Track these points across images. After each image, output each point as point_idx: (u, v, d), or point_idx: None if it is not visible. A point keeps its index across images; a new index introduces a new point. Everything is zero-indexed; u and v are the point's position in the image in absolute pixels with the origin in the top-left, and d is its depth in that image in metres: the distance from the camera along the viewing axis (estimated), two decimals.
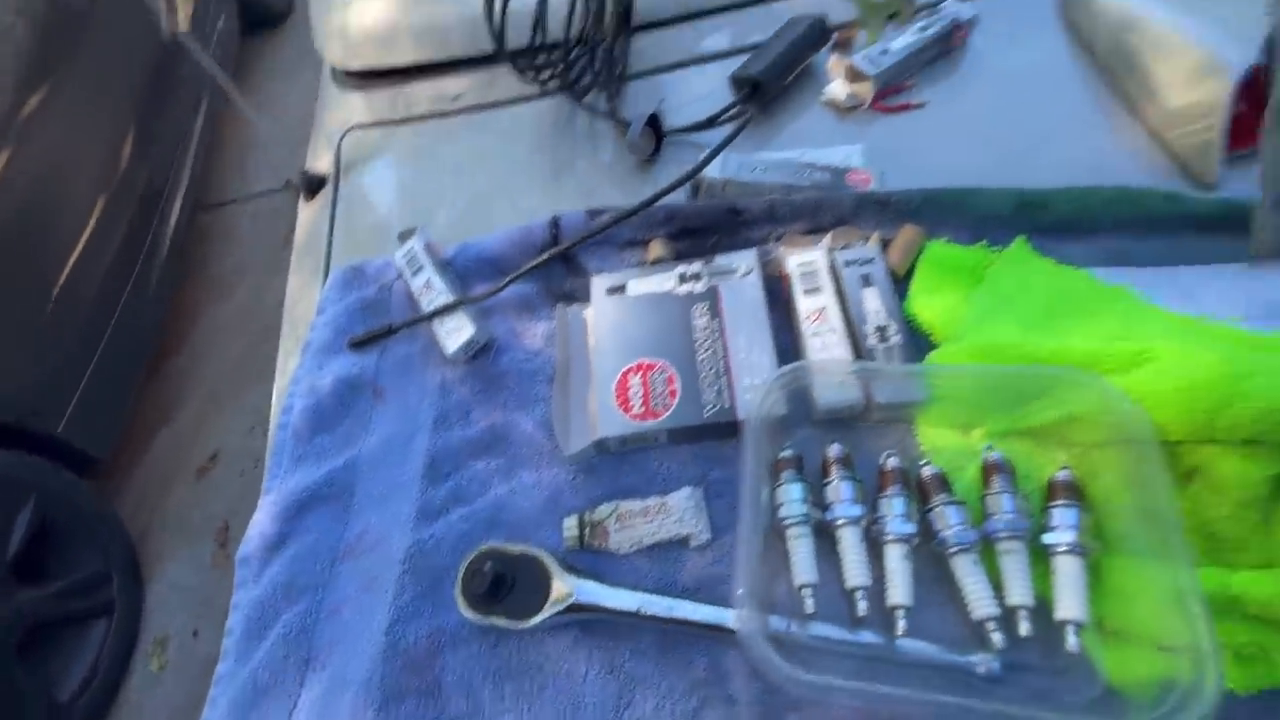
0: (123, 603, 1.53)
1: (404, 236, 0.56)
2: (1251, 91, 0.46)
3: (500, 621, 0.39)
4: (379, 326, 0.55)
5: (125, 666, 1.52)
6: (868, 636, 0.36)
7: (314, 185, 0.70)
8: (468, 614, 0.40)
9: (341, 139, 0.72)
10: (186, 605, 1.60)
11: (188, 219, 1.95)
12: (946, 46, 0.59)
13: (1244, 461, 0.32)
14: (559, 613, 0.39)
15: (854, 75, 0.57)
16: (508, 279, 0.51)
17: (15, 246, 1.42)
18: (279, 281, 0.66)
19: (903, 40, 0.57)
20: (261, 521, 0.49)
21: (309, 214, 0.70)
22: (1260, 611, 0.31)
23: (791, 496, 0.38)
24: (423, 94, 0.71)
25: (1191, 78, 0.48)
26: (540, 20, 0.57)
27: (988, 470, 0.38)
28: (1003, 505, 0.36)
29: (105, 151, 1.70)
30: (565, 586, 0.39)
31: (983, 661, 0.34)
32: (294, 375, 0.56)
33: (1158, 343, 0.37)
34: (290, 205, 2.21)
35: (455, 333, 0.51)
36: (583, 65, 0.62)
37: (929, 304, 0.45)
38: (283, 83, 2.54)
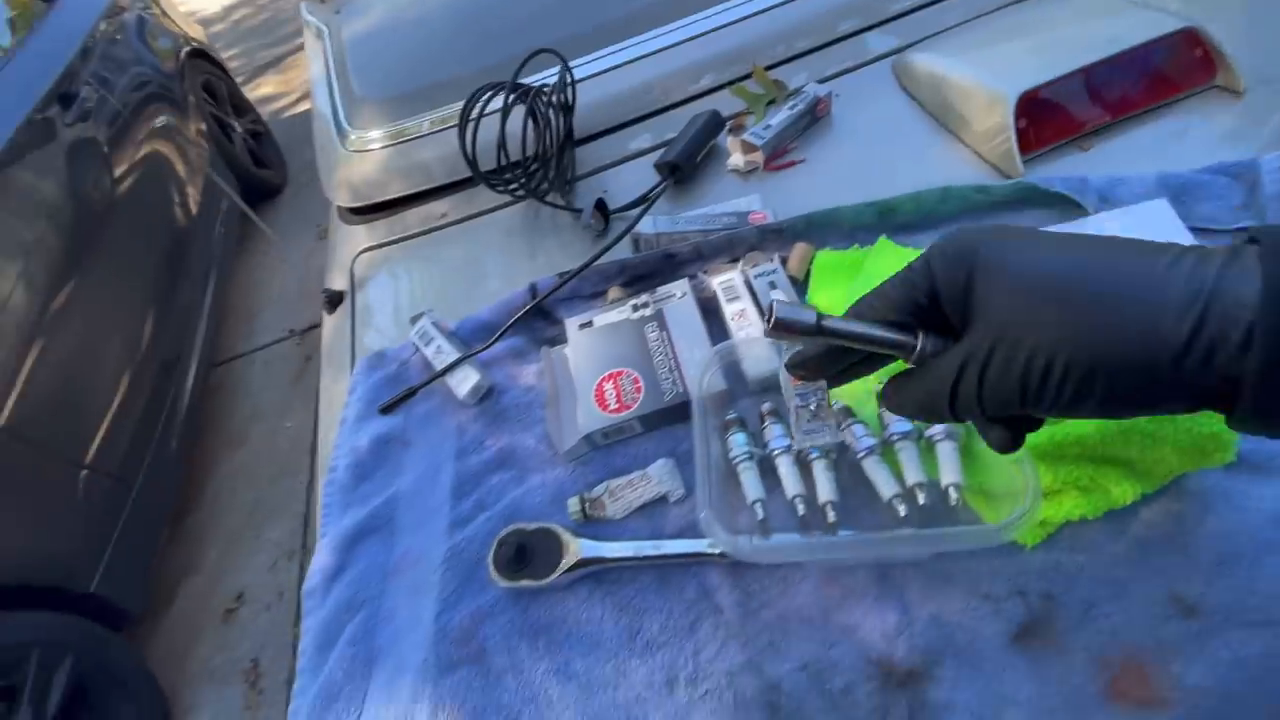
0: None
1: (415, 319, 0.70)
2: (1027, 111, 0.63)
3: (526, 582, 0.49)
4: (402, 391, 0.67)
5: None
6: (812, 535, 0.46)
7: (335, 300, 0.85)
8: (500, 581, 0.49)
9: (353, 261, 0.88)
10: None
11: (202, 380, 2.10)
12: (815, 116, 0.77)
13: None
14: (572, 568, 0.49)
15: (748, 148, 0.74)
16: (501, 331, 0.65)
17: (50, 423, 1.55)
18: (290, 422, 0.77)
19: (780, 117, 0.75)
20: (321, 557, 0.59)
21: (332, 324, 0.84)
22: (1082, 451, 0.42)
23: (738, 443, 0.50)
24: (415, 217, 0.88)
25: (986, 109, 0.65)
26: (502, 146, 0.74)
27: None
28: (893, 417, 0.47)
29: (128, 331, 1.87)
30: (575, 546, 0.49)
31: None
32: (334, 444, 0.67)
33: None
34: (297, 350, 2.39)
35: (464, 381, 0.63)
36: (540, 175, 0.79)
37: (824, 295, 0.58)
38: (281, 246, 2.80)
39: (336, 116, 0.97)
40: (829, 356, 0.35)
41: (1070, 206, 0.58)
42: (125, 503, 1.68)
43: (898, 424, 0.47)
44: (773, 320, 0.31)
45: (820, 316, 0.31)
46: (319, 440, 0.74)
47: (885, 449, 0.47)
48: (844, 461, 0.48)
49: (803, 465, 0.48)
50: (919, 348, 0.31)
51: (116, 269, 1.92)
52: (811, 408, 0.43)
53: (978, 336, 0.28)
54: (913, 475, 0.45)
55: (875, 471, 0.46)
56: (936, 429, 0.46)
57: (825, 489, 0.46)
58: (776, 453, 0.48)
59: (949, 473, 0.44)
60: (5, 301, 1.57)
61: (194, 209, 2.33)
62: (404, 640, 0.52)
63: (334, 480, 0.64)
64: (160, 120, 2.31)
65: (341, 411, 0.70)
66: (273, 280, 2.68)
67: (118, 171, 2.06)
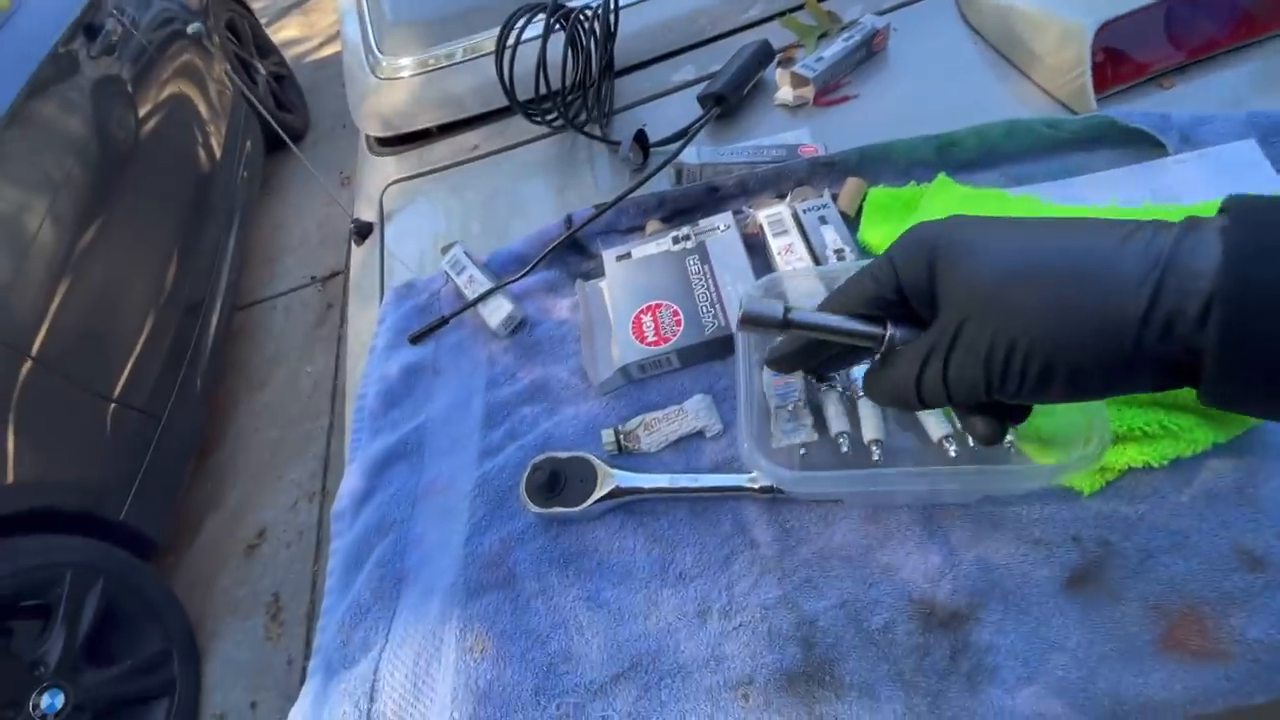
0: (183, 681, 1.57)
1: (446, 249, 0.68)
2: (1102, 45, 0.58)
3: (558, 510, 0.48)
4: (433, 320, 0.66)
5: None
6: (852, 473, 0.44)
7: (364, 232, 0.83)
8: (532, 507, 0.49)
9: (382, 193, 0.86)
10: (242, 680, 1.64)
11: (226, 323, 2.12)
12: (870, 50, 0.72)
13: None
14: (605, 496, 0.48)
15: (798, 81, 0.71)
16: (534, 262, 0.63)
17: (80, 354, 1.58)
18: (311, 366, 0.76)
19: (833, 49, 0.71)
20: (350, 480, 0.58)
21: (360, 255, 0.83)
22: (1150, 397, 0.40)
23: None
24: (446, 149, 0.86)
25: (1060, 43, 0.61)
26: (541, 72, 0.71)
27: None
28: None
29: (154, 270, 1.88)
30: (610, 475, 0.48)
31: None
32: (363, 372, 0.66)
33: None
34: (319, 296, 2.40)
35: (497, 311, 0.62)
36: (578, 106, 0.75)
37: (876, 233, 0.56)
38: (303, 191, 2.79)
39: (367, 42, 0.94)
40: (806, 351, 0.36)
41: (1148, 145, 0.54)
42: (152, 437, 1.71)
43: None
44: (741, 314, 0.33)
45: (788, 310, 0.32)
46: (347, 370, 0.73)
47: None
48: None
49: (849, 403, 0.46)
50: (887, 338, 0.31)
51: (142, 208, 1.92)
52: (789, 408, 0.42)
53: (941, 325, 0.29)
54: None
55: (924, 411, 0.44)
56: None
57: (871, 427, 0.44)
58: (822, 389, 0.46)
59: None
60: (35, 235, 1.57)
61: (217, 151, 2.31)
62: (433, 563, 0.52)
63: (363, 407, 0.64)
64: (184, 58, 2.28)
65: (371, 341, 0.69)
66: (294, 226, 2.67)
67: (142, 110, 2.05)
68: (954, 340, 0.28)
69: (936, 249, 0.29)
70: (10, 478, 1.35)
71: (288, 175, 2.92)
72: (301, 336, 2.30)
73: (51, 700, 1.33)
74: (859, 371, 0.46)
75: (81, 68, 1.89)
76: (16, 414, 1.39)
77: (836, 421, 0.45)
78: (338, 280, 2.40)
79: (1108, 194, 0.52)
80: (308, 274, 2.49)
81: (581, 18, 0.73)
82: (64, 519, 1.46)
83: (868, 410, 0.45)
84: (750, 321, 0.32)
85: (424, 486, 0.57)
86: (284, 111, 2.96)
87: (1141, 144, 0.54)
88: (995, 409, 0.32)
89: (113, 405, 1.61)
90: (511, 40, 0.73)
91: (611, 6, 0.76)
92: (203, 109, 2.32)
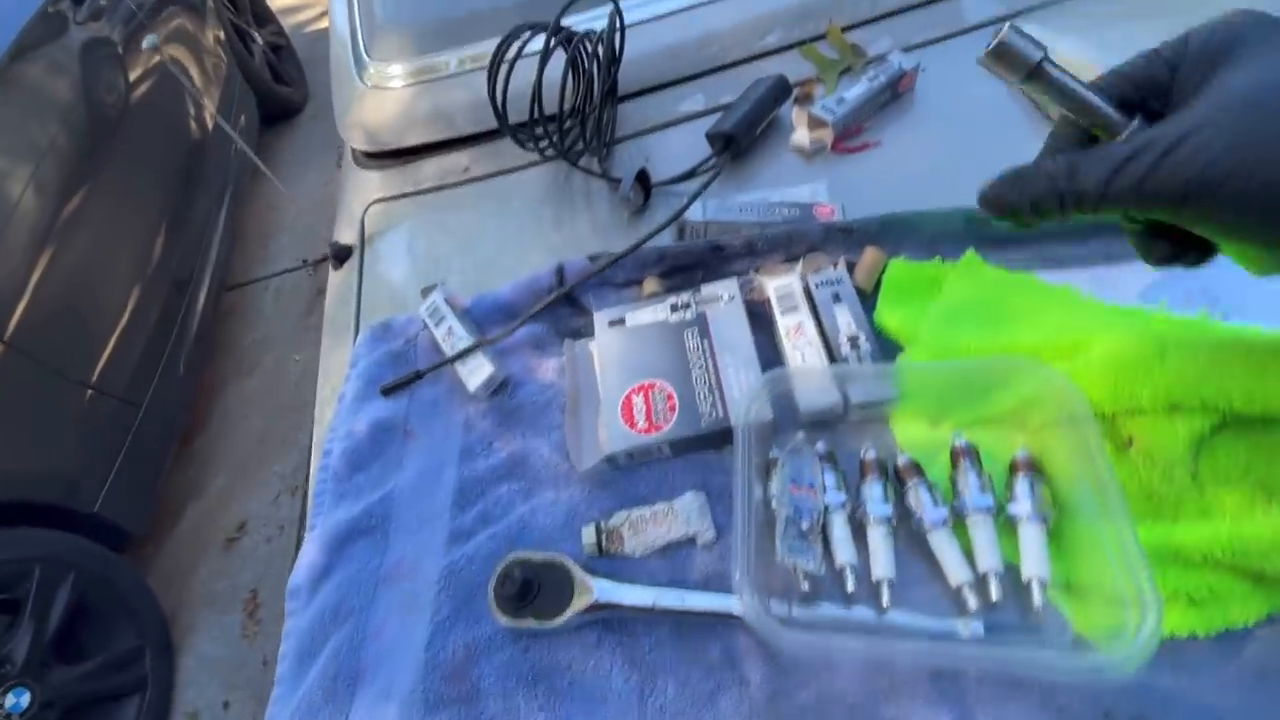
0: (155, 678, 1.55)
1: (426, 292, 0.63)
2: None
3: (530, 623, 0.43)
4: (407, 374, 0.60)
5: None
6: (860, 611, 0.40)
7: (341, 255, 0.78)
8: (500, 619, 0.44)
9: (364, 213, 0.80)
10: (217, 678, 1.61)
11: (214, 303, 2.06)
12: (896, 92, 0.66)
13: (1168, 425, 0.36)
14: (583, 611, 0.43)
15: (815, 123, 0.65)
16: (520, 320, 0.57)
17: (57, 336, 1.52)
18: (300, 355, 0.72)
19: (856, 89, 0.65)
20: (309, 553, 0.54)
21: (338, 281, 0.77)
22: (1202, 557, 0.35)
23: (784, 493, 0.43)
24: (434, 168, 0.80)
25: None
26: (537, 97, 0.64)
27: (955, 455, 0.42)
28: (970, 483, 0.40)
29: (139, 245, 1.82)
30: (588, 587, 0.44)
31: (965, 625, 0.38)
32: (331, 424, 0.61)
33: (1092, 332, 0.42)
34: (310, 281, 2.34)
35: (476, 372, 0.56)
36: (575, 134, 0.69)
37: (894, 314, 0.50)
38: (300, 168, 2.71)
39: (355, 44, 0.87)
40: (1040, 194, 0.29)
41: None
42: (132, 425, 1.66)
43: (974, 495, 0.40)
44: (996, 44, 0.29)
45: (1045, 57, 0.29)
46: (315, 410, 0.68)
47: (956, 522, 0.40)
48: (906, 530, 0.41)
49: (856, 527, 0.42)
50: (1132, 128, 0.28)
51: (129, 179, 1.85)
52: (803, 525, 0.37)
53: (1182, 117, 0.26)
54: (987, 559, 0.38)
55: (944, 549, 0.39)
56: (1020, 506, 0.38)
57: (882, 564, 0.39)
58: (829, 509, 0.42)
59: (1033, 563, 0.37)
60: (16, 204, 1.51)
61: (210, 123, 2.23)
62: (391, 663, 0.47)
63: (327, 466, 0.59)
64: (177, 23, 2.18)
65: (341, 385, 0.64)
66: (289, 206, 2.59)
67: (132, 75, 1.96)
68: (1186, 135, 0.25)
69: (1234, 46, 0.26)
70: None
71: (284, 151, 2.83)
72: (291, 322, 2.24)
73: (17, 700, 1.30)
74: (873, 491, 0.41)
75: (69, 30, 1.80)
76: None
77: (843, 550, 0.40)
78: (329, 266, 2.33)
79: (1155, 291, 0.46)
80: (300, 256, 2.42)
81: (587, 39, 0.66)
82: (35, 511, 1.41)
83: (879, 542, 0.40)
84: (999, 56, 0.29)
85: (387, 569, 0.52)
86: (281, 84, 2.86)
87: None
88: (1180, 238, 0.29)
89: (89, 392, 1.56)
90: (511, 54, 0.66)
91: (617, 26, 0.69)
92: (195, 76, 2.23)
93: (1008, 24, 0.28)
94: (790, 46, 0.73)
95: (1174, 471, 0.36)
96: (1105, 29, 0.60)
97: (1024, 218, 0.31)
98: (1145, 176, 0.26)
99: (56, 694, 1.35)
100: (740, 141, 0.65)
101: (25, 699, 1.31)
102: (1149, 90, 0.28)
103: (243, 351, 2.19)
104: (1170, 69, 0.28)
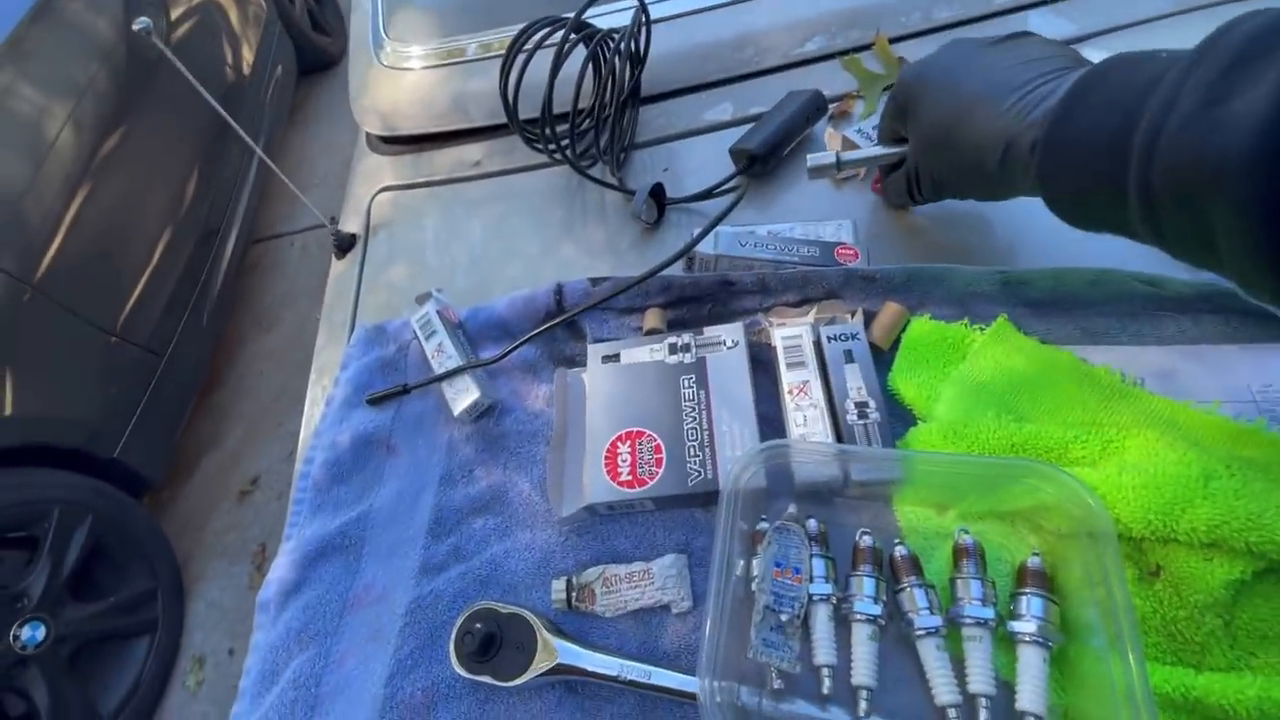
0: (166, 621, 1.60)
1: (421, 300, 0.60)
2: None
3: (488, 680, 0.42)
4: (396, 385, 0.58)
5: (165, 683, 1.58)
6: (835, 715, 0.37)
7: (345, 245, 0.75)
8: (459, 671, 0.42)
9: (371, 200, 0.78)
10: (223, 625, 1.67)
11: (240, 256, 2.07)
12: None
13: (1204, 564, 0.32)
14: (543, 674, 0.41)
15: (848, 146, 0.59)
16: (511, 347, 0.54)
17: (85, 279, 1.53)
18: (319, 315, 0.70)
19: None
20: (280, 568, 0.53)
21: (339, 270, 0.75)
22: (1223, 714, 0.31)
23: (766, 575, 0.40)
24: (446, 159, 0.76)
25: None
26: (549, 98, 0.60)
27: (959, 553, 0.38)
28: (971, 591, 0.37)
29: (170, 191, 1.82)
30: (551, 648, 0.42)
31: None
32: (316, 429, 0.60)
33: (1129, 432, 0.37)
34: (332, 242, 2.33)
35: (462, 395, 0.54)
36: (590, 138, 0.65)
37: (910, 381, 0.46)
38: (333, 124, 2.68)
39: (375, 20, 0.83)
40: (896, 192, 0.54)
41: (1275, 326, 0.43)
42: (155, 372, 1.69)
43: (974, 605, 0.36)
44: (808, 170, 0.54)
45: (839, 158, 0.53)
46: (305, 406, 0.67)
47: (951, 631, 0.37)
48: (896, 629, 0.38)
49: (841, 620, 0.38)
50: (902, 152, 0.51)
51: (165, 122, 1.84)
52: (782, 617, 0.34)
53: (909, 150, 0.50)
54: (980, 682, 0.35)
55: (933, 663, 0.36)
56: (1024, 626, 0.35)
57: (863, 670, 0.36)
58: (813, 599, 0.38)
59: (1030, 694, 0.34)
60: (53, 144, 1.51)
61: (247, 70, 2.21)
62: (349, 695, 0.46)
63: (308, 474, 0.57)
64: None
65: (330, 387, 0.62)
66: (319, 161, 2.58)
67: (174, 14, 1.94)
68: (917, 164, 0.48)
69: (908, 96, 0.47)
70: (7, 410, 1.34)
71: (319, 103, 2.81)
72: (315, 279, 2.25)
73: (33, 632, 1.36)
74: (864, 586, 0.38)
75: None
76: (14, 347, 1.36)
77: (822, 649, 0.37)
78: None
79: (1211, 385, 0.41)
80: (328, 214, 2.41)
81: (610, 38, 0.62)
82: (56, 454, 1.45)
83: (863, 645, 0.37)
84: (813, 173, 0.54)
85: (355, 594, 0.50)
86: (321, 34, 2.82)
87: (1268, 323, 0.43)
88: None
89: (113, 339, 1.58)
90: (529, 45, 0.62)
91: (643, 21, 0.64)
92: (235, 21, 2.20)
93: (808, 158, 0.54)
94: (831, 56, 0.67)
95: (1204, 615, 0.32)
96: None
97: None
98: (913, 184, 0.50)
99: (70, 630, 1.41)
100: (765, 162, 0.60)
101: (41, 632, 1.37)
102: (899, 128, 0.50)
103: (265, 307, 2.21)
104: (899, 118, 0.49)
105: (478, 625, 0.42)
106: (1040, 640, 0.34)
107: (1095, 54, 0.58)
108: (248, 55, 2.24)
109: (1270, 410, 0.39)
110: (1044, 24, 0.64)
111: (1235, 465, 0.32)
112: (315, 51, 2.80)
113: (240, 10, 2.25)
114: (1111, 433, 0.38)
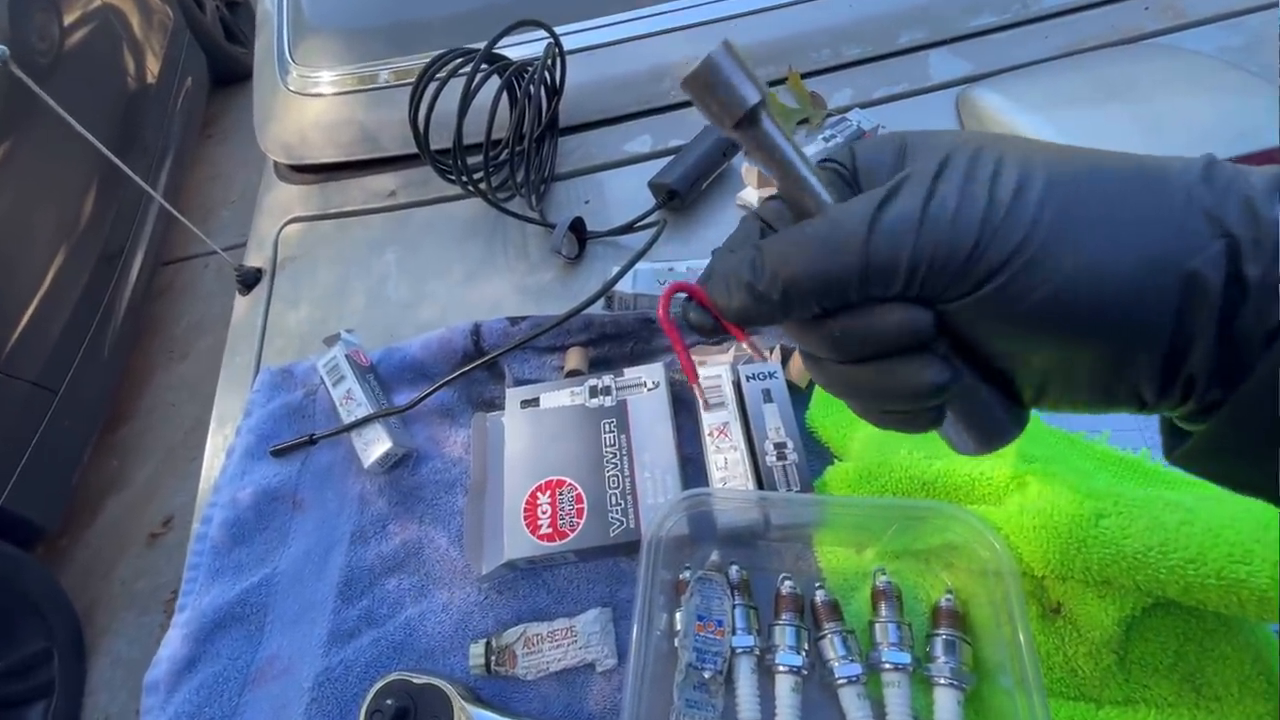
0: (64, 683, 1.46)
1: (329, 342, 0.57)
2: None
3: None
4: (302, 435, 0.55)
5: None
6: None
7: (249, 280, 0.71)
8: None
9: (279, 231, 0.73)
10: (130, 683, 1.54)
11: (147, 279, 1.93)
12: None
13: (1099, 601, 0.33)
14: None
15: (764, 181, 0.60)
16: (425, 393, 0.52)
17: None
18: None
19: (812, 147, 0.60)
20: (172, 643, 0.48)
21: (244, 307, 0.71)
22: None
23: (688, 630, 0.39)
24: (358, 190, 0.73)
25: None
26: (460, 128, 0.58)
27: (876, 597, 0.39)
28: (889, 636, 0.37)
29: (65, 208, 1.68)
30: (468, 718, 0.39)
31: None
32: (216, 483, 0.56)
33: (1031, 467, 0.39)
34: None
35: (373, 445, 0.51)
36: (507, 170, 0.63)
37: (826, 419, 0.46)
38: (250, 136, 2.55)
39: (280, 42, 0.79)
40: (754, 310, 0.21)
41: None
42: (49, 407, 1.55)
43: (891, 650, 0.36)
44: (699, 66, 0.19)
45: (763, 102, 0.20)
46: (205, 456, 0.62)
47: (871, 675, 0.37)
48: (817, 679, 0.38)
49: (765, 671, 0.38)
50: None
51: (58, 135, 1.70)
52: (705, 674, 0.33)
53: (919, 165, 0.19)
54: None
55: (854, 710, 0.36)
56: (939, 669, 0.35)
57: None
58: (736, 652, 0.38)
59: None
60: None
61: (151, 80, 2.08)
62: None
63: (205, 536, 0.53)
64: None
65: (232, 437, 0.58)
66: (236, 176, 2.45)
67: (68, 19, 1.81)
68: (940, 169, 0.19)
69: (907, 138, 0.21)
70: None
71: (234, 117, 2.67)
72: (229, 303, 2.12)
73: None
74: (785, 637, 0.38)
75: None
76: None
77: (746, 705, 0.37)
78: None
79: (1101, 417, 0.43)
80: (245, 233, 2.29)
81: (525, 70, 0.60)
82: None
83: (785, 697, 0.36)
84: (702, 85, 0.19)
85: (258, 667, 0.47)
86: (235, 44, 2.69)
87: None
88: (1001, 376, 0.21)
89: (0, 364, 1.44)
90: (442, 74, 0.60)
91: (557, 53, 0.63)
92: (137, 28, 2.07)
93: (723, 41, 0.19)
94: None
95: (1100, 651, 0.33)
96: (1064, 108, 0.57)
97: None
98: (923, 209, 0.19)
99: None
100: (684, 196, 0.60)
101: None
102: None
103: (175, 334, 2.07)
104: (848, 183, 0.22)
105: (388, 701, 0.40)
106: (954, 684, 0.35)
107: (990, 94, 0.61)
108: (152, 64, 2.11)
109: (1154, 440, 0.41)
110: (942, 63, 0.66)
111: (1122, 503, 0.33)
112: (230, 62, 2.66)
113: (143, 17, 2.11)
114: (1016, 470, 0.39)
